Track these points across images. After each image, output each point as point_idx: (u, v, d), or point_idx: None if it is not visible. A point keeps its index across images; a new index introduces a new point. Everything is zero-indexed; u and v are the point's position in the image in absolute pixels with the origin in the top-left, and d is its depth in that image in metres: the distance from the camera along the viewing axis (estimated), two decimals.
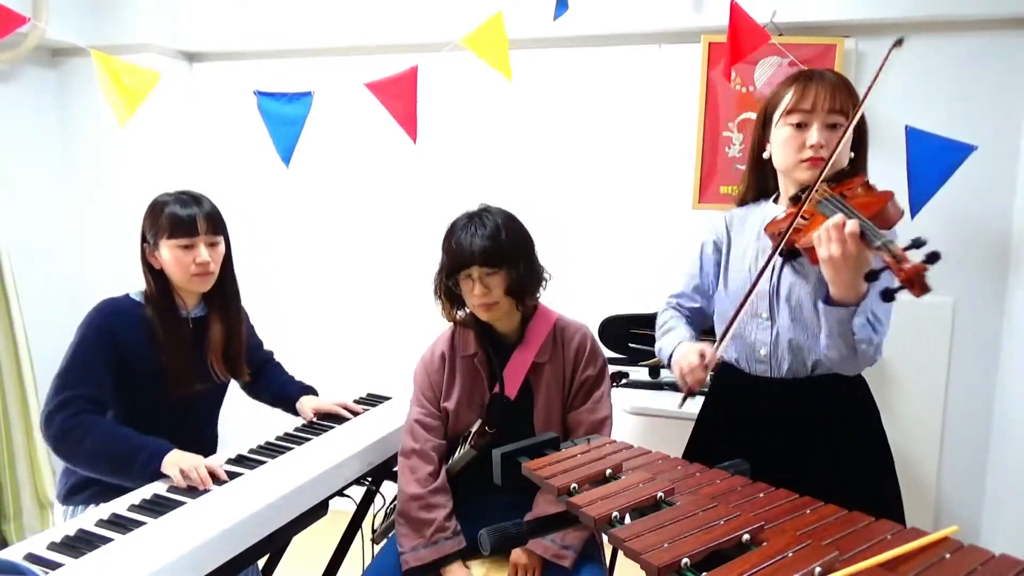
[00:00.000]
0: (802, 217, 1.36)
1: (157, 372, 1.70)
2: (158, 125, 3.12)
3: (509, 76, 2.31)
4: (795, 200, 1.46)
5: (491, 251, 1.60)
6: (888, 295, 1.11)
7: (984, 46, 2.54)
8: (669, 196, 2.87)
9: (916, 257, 1.08)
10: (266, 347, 2.17)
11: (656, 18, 2.73)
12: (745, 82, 2.71)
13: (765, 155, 1.54)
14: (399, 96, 2.31)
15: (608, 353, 2.14)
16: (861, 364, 1.40)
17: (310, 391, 2.09)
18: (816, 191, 1.37)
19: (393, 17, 2.95)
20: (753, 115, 2.72)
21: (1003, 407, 2.63)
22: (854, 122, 1.40)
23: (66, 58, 3.17)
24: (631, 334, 2.77)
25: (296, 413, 2.03)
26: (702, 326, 1.72)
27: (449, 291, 1.68)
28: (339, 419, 1.99)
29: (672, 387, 2.58)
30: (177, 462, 1.55)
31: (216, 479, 1.55)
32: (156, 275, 1.74)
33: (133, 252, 1.76)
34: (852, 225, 1.19)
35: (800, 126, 1.44)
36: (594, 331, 1.83)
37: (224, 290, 1.84)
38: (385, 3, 2.94)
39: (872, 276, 1.19)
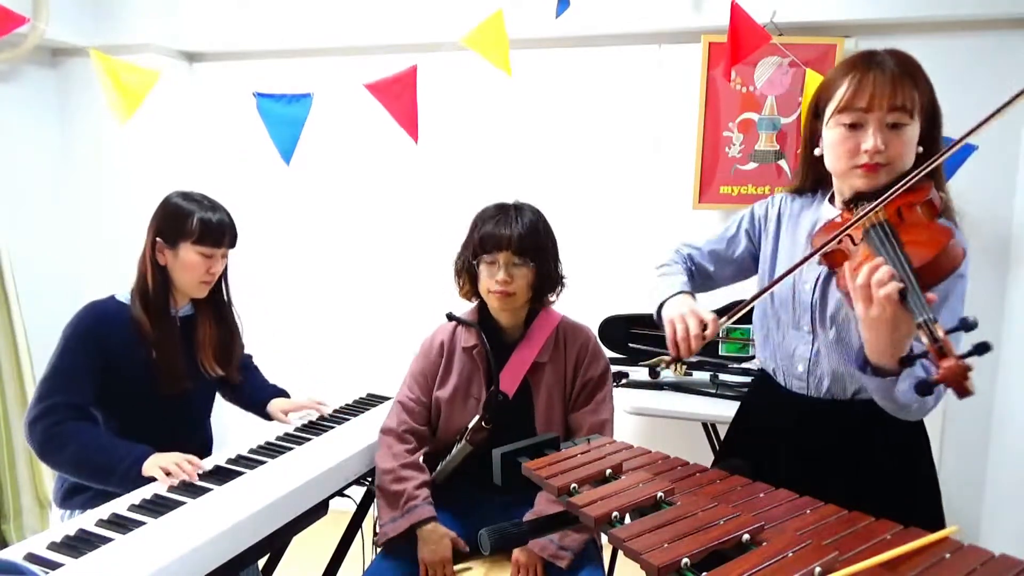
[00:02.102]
0: (850, 238, 1.19)
1: (146, 372, 1.70)
2: (158, 125, 3.12)
3: (509, 72, 2.31)
4: (849, 205, 1.29)
5: (526, 242, 1.63)
6: (924, 388, 0.96)
7: (984, 46, 2.54)
8: (669, 196, 2.87)
9: (961, 345, 0.93)
10: (250, 348, 2.11)
11: (656, 18, 2.73)
12: (745, 82, 2.71)
13: (817, 152, 1.35)
14: (399, 96, 2.31)
15: (608, 353, 2.14)
16: (916, 417, 1.21)
17: (282, 394, 2.07)
18: (869, 210, 1.18)
19: (393, 17, 2.94)
20: (754, 115, 2.72)
21: (1003, 407, 2.63)
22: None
23: (66, 58, 3.17)
24: (631, 334, 2.77)
25: (268, 417, 2.00)
26: (700, 289, 1.56)
27: (471, 270, 1.69)
28: (339, 419, 1.99)
29: (673, 387, 2.58)
30: (156, 463, 1.56)
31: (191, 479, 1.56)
32: (159, 271, 1.74)
33: (133, 252, 1.76)
34: (890, 288, 1.00)
35: (854, 126, 1.23)
36: (594, 331, 1.83)
37: (215, 291, 1.85)
38: (385, 3, 2.94)
39: (907, 361, 1.03)
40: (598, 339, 1.80)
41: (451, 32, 2.46)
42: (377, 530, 1.70)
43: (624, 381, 2.61)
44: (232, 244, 1.79)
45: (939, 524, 1.40)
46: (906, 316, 1.01)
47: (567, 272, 1.79)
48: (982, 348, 0.91)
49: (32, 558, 1.23)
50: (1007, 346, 2.61)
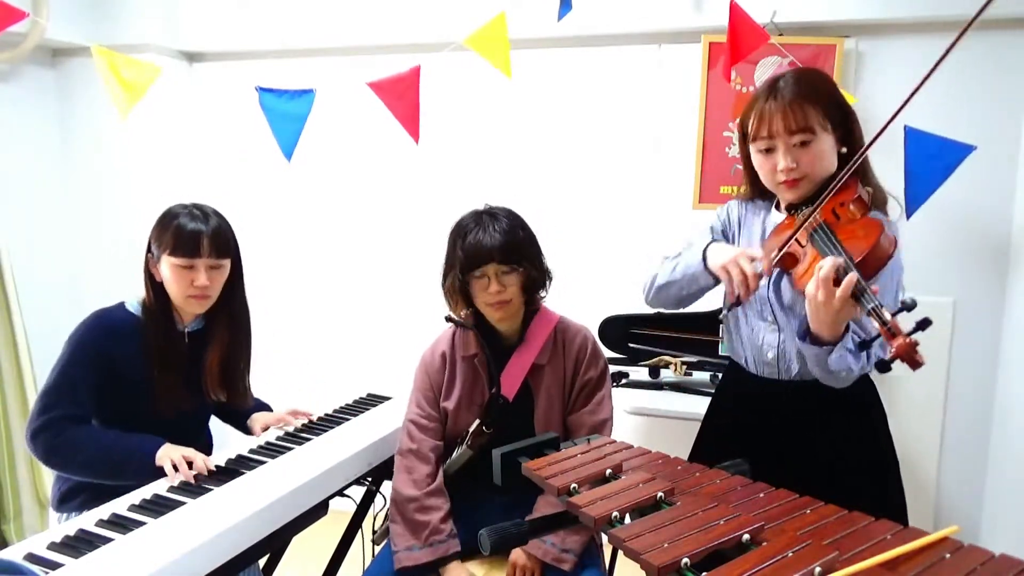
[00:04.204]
0: (797, 242, 1.33)
1: (148, 385, 1.67)
2: (158, 125, 3.12)
3: (509, 74, 2.31)
4: (790, 211, 1.44)
5: (509, 248, 1.61)
6: (884, 367, 1.09)
7: (984, 46, 2.53)
8: (669, 196, 2.87)
9: (906, 325, 1.05)
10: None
11: (656, 18, 2.73)
12: (745, 82, 2.71)
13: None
14: (401, 96, 2.31)
15: (608, 353, 2.15)
16: (839, 385, 1.38)
17: (264, 408, 2.01)
18: (807, 218, 1.33)
19: (394, 17, 2.94)
20: None
21: (1003, 407, 2.63)
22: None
23: (66, 58, 3.17)
24: (631, 334, 2.77)
25: (247, 432, 1.95)
26: (685, 302, 1.67)
27: (463, 288, 1.65)
28: (339, 419, 1.99)
29: (673, 387, 2.58)
30: (168, 455, 1.56)
31: (200, 474, 1.56)
32: (156, 286, 1.69)
33: (133, 253, 1.75)
34: (847, 281, 1.15)
35: (768, 150, 1.40)
36: (594, 331, 1.83)
37: (230, 312, 1.78)
38: (387, 3, 2.94)
39: (864, 346, 1.19)
40: (596, 339, 1.80)
41: (453, 33, 2.46)
42: (375, 530, 1.70)
43: (624, 381, 2.61)
44: (218, 253, 1.66)
45: (897, 481, 1.54)
46: (851, 304, 1.17)
47: (568, 273, 1.79)
48: (924, 324, 1.04)
49: (32, 558, 1.23)
50: (1007, 346, 2.61)
